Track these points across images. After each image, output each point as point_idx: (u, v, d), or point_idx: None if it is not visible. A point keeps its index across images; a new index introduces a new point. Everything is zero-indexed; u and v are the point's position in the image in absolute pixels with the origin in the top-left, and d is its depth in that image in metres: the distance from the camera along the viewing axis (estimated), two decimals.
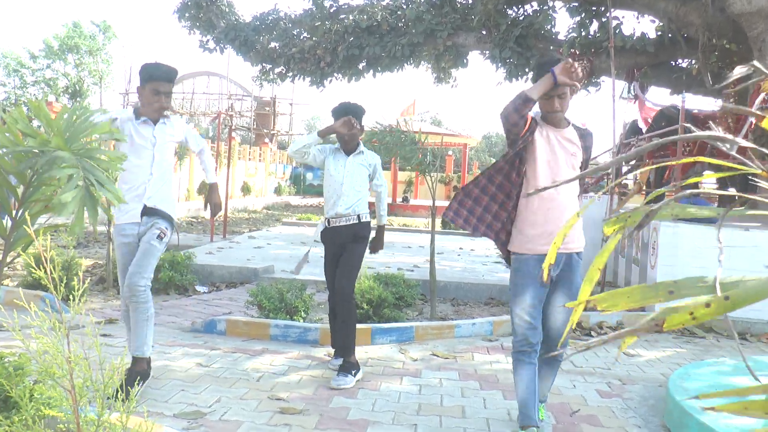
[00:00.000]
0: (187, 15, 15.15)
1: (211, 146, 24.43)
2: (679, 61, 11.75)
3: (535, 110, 3.42)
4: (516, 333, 3.30)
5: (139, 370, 3.85)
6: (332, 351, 4.76)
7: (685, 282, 0.67)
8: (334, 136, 4.60)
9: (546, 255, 3.25)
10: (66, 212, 2.11)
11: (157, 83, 3.95)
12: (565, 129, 3.41)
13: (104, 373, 1.96)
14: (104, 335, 5.11)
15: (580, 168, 3.44)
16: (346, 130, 4.43)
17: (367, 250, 4.69)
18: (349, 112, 4.53)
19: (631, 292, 0.71)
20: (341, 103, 4.61)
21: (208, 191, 4.33)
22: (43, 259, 1.84)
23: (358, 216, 4.54)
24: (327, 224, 4.60)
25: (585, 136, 3.45)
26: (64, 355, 1.89)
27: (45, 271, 1.85)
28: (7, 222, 2.41)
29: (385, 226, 4.87)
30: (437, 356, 5.01)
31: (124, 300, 3.93)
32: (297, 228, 15.38)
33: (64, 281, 6.37)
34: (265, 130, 38.01)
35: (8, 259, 2.24)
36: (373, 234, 4.78)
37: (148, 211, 3.94)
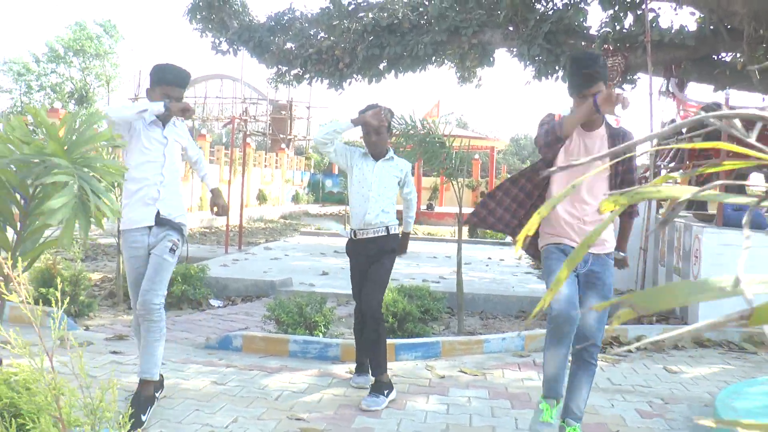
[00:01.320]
0: (198, 16, 15.30)
1: (224, 152, 24.65)
2: (722, 54, 11.61)
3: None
4: (552, 308, 3.28)
5: (147, 396, 3.80)
6: (353, 367, 4.76)
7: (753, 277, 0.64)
8: (361, 140, 4.63)
9: (570, 248, 3.42)
10: (54, 219, 2.12)
11: (168, 88, 3.96)
12: (595, 131, 3.40)
13: (99, 395, 1.96)
14: (114, 352, 5.15)
15: (617, 172, 3.44)
16: (376, 121, 4.42)
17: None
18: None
19: (674, 287, 0.68)
20: (369, 105, 4.61)
21: (213, 197, 4.35)
22: (50, 273, 1.85)
23: (387, 228, 4.50)
24: (353, 236, 4.57)
25: (616, 136, 3.42)
26: (45, 382, 1.88)
27: (52, 286, 1.86)
28: (13, 236, 2.44)
29: (410, 235, 4.86)
30: (465, 373, 4.99)
31: (137, 316, 3.93)
32: (316, 238, 15.42)
33: (72, 296, 6.45)
34: (282, 136, 38.21)
35: (14, 274, 2.26)
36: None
37: (159, 221, 3.94)
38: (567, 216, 3.48)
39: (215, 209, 4.35)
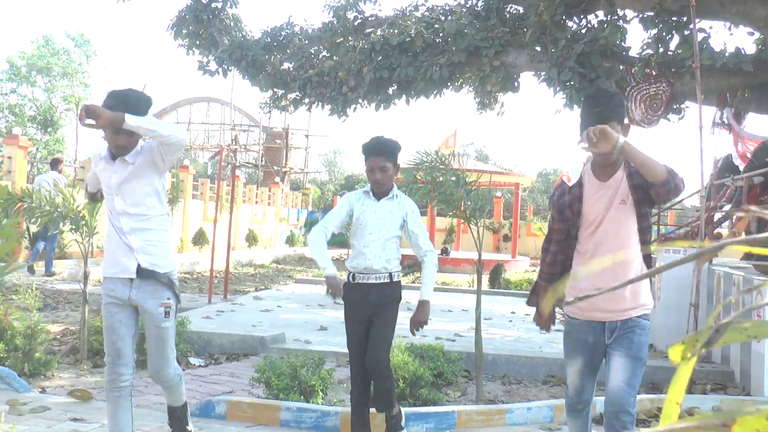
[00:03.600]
0: (184, 31, 15.46)
1: (210, 186, 24.76)
2: None
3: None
4: (568, 391, 3.78)
5: (179, 407, 4.46)
6: None
7: None
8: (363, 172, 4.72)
9: (598, 322, 3.58)
10: None
11: None
12: (610, 179, 3.48)
13: None
14: (75, 419, 5.09)
15: (643, 214, 3.51)
16: (333, 295, 4.55)
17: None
18: (382, 150, 4.58)
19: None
20: (373, 138, 4.66)
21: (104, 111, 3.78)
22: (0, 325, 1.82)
23: (390, 274, 4.54)
24: (351, 279, 4.61)
25: (636, 173, 3.45)
26: None
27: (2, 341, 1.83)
28: None
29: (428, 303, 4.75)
30: None
31: (111, 369, 3.99)
32: (313, 287, 15.37)
33: (26, 352, 6.41)
34: (276, 168, 38.46)
35: None
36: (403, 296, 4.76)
37: (142, 273, 3.95)
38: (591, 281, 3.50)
39: None
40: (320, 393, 5.62)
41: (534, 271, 21.26)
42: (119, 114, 3.65)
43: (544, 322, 3.88)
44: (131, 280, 3.97)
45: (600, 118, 3.35)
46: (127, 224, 3.95)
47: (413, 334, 4.72)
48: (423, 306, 4.69)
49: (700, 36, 10.35)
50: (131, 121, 3.66)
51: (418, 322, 4.67)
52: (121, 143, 3.87)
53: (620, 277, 3.42)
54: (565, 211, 3.58)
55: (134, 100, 3.86)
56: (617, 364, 3.47)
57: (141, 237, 3.97)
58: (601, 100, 3.43)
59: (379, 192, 4.63)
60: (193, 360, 7.41)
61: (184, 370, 6.99)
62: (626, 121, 3.57)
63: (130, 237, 3.94)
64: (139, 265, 3.94)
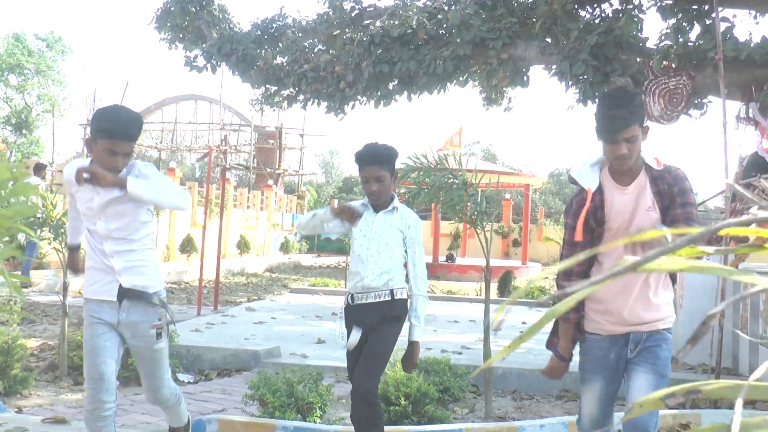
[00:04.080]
0: (169, 24, 15.45)
1: (198, 190, 24.76)
2: None
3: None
4: (581, 419, 3.65)
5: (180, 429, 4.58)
6: None
7: None
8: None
9: (618, 335, 3.53)
10: None
11: (112, 142, 3.80)
12: (631, 184, 3.45)
13: None
14: None
15: (669, 218, 3.46)
16: (347, 217, 4.47)
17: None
18: (377, 158, 4.51)
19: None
20: (367, 145, 4.60)
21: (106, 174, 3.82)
22: None
23: (391, 291, 4.48)
24: (350, 301, 4.56)
25: (660, 179, 3.44)
26: None
27: None
28: None
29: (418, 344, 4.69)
30: None
31: (91, 395, 3.94)
32: (309, 297, 15.38)
33: (2, 369, 6.41)
34: (269, 170, 38.46)
35: None
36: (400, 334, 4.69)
37: (125, 293, 3.96)
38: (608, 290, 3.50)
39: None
40: (318, 411, 5.61)
41: (546, 278, 21.22)
42: (122, 179, 3.73)
43: (562, 368, 3.79)
44: (119, 303, 3.97)
45: (620, 123, 3.33)
46: (110, 248, 3.95)
47: (407, 372, 4.76)
48: (414, 348, 4.62)
49: (723, 25, 10.34)
50: (134, 188, 3.72)
51: (410, 364, 4.66)
52: (115, 165, 3.83)
53: (644, 291, 3.46)
54: (589, 220, 3.49)
55: (125, 119, 3.87)
56: (641, 381, 3.44)
57: (124, 259, 3.98)
58: (621, 101, 3.37)
59: (377, 204, 4.56)
60: (181, 376, 7.42)
61: None
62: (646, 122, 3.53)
63: (113, 259, 3.95)
64: (120, 286, 3.94)
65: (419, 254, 4.60)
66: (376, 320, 4.45)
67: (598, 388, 3.55)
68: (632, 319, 3.48)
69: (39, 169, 14.31)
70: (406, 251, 4.57)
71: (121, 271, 3.95)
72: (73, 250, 4.54)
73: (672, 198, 3.40)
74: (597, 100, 3.65)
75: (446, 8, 13.40)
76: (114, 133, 3.79)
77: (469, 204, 6.13)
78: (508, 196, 34.85)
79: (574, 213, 3.54)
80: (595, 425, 3.55)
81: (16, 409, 5.98)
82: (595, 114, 3.48)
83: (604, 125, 3.40)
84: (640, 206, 3.43)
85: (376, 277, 4.44)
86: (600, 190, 3.50)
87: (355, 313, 4.52)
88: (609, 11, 12.33)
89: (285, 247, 32.14)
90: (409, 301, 4.58)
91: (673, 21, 11.48)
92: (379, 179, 4.48)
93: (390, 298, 4.46)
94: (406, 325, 4.57)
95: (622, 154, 3.33)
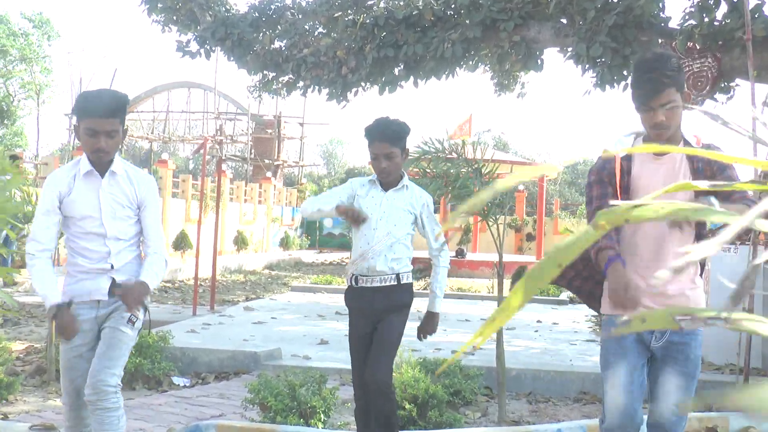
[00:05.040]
0: (160, 6, 15.42)
1: (193, 183, 24.76)
2: None
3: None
4: (605, 417, 3.43)
5: None
6: None
7: None
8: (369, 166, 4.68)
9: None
10: None
11: (92, 120, 3.78)
12: (665, 155, 3.37)
13: None
14: None
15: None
16: (351, 220, 4.48)
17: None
18: (387, 134, 4.52)
19: None
20: (378, 120, 4.61)
21: (133, 286, 3.92)
22: None
23: (398, 276, 4.50)
24: (354, 283, 4.59)
25: (697, 157, 3.37)
26: None
27: None
28: None
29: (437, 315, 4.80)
30: None
31: (74, 424, 3.95)
32: (311, 295, 15.38)
33: None
34: (267, 161, 38.46)
35: None
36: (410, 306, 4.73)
37: (115, 288, 3.97)
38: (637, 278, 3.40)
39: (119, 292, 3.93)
40: (322, 415, 5.61)
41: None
42: (146, 285, 3.88)
43: (623, 270, 3.28)
44: (98, 301, 3.97)
45: (655, 86, 3.24)
46: (116, 247, 3.98)
47: (419, 339, 4.76)
48: (431, 318, 4.72)
49: (752, 2, 10.26)
50: (153, 285, 4.00)
51: (426, 331, 4.72)
52: (98, 146, 3.80)
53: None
54: (612, 186, 3.37)
55: (105, 96, 3.88)
56: (669, 383, 3.39)
57: (122, 258, 4.01)
58: (655, 64, 3.28)
59: (387, 182, 4.58)
60: (177, 380, 7.42)
61: (166, 391, 7.03)
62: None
63: (111, 259, 3.96)
64: (113, 281, 3.95)
65: (437, 229, 4.66)
66: (383, 309, 4.47)
67: (624, 374, 3.36)
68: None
69: (13, 161, 14.23)
70: (413, 231, 4.63)
71: (119, 270, 3.97)
72: (61, 309, 3.84)
73: (711, 176, 3.31)
74: (633, 68, 3.55)
75: None
76: (91, 110, 3.78)
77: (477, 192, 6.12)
78: (521, 187, 34.79)
79: (599, 168, 3.47)
80: (624, 417, 3.34)
81: (2, 416, 5.99)
82: (631, 83, 3.42)
83: (638, 90, 3.33)
84: (673, 179, 3.29)
85: (383, 259, 4.46)
86: (628, 157, 3.41)
87: (359, 297, 4.55)
88: None
89: (285, 243, 32.11)
90: (431, 271, 4.70)
91: None
92: (389, 156, 4.48)
93: (396, 283, 4.48)
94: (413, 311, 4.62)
95: (659, 121, 3.25)
